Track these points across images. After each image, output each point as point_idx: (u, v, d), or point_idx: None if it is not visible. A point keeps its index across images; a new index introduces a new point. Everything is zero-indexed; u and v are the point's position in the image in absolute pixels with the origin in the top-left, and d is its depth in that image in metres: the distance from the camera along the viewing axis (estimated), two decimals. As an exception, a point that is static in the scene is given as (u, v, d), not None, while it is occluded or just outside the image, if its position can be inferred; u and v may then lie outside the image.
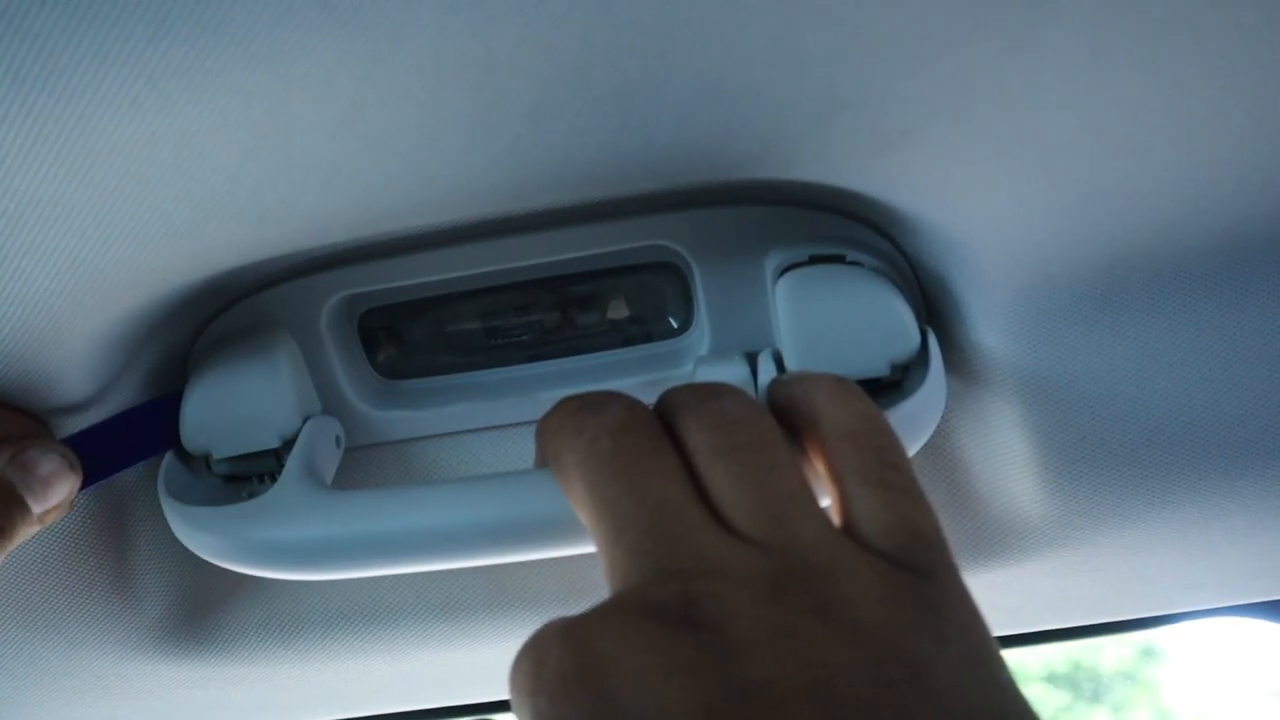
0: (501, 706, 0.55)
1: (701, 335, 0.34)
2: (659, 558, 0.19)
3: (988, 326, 0.31)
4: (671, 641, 0.17)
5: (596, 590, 0.19)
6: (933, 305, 0.33)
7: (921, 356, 0.30)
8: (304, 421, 0.33)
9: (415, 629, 0.40)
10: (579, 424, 0.22)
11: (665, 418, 0.23)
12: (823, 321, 0.30)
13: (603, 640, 0.18)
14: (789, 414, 0.23)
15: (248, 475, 0.33)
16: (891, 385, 0.30)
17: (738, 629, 0.17)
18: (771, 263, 0.31)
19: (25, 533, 0.28)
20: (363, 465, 0.36)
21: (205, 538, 0.30)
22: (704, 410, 0.22)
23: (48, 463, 0.28)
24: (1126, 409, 0.32)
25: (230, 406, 0.32)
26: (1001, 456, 0.34)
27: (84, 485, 0.29)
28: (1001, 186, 0.26)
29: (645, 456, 0.21)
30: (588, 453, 0.21)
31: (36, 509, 0.28)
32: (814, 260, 0.31)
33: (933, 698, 0.16)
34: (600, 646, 0.18)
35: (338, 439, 0.34)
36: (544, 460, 0.26)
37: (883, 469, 0.21)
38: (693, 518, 0.20)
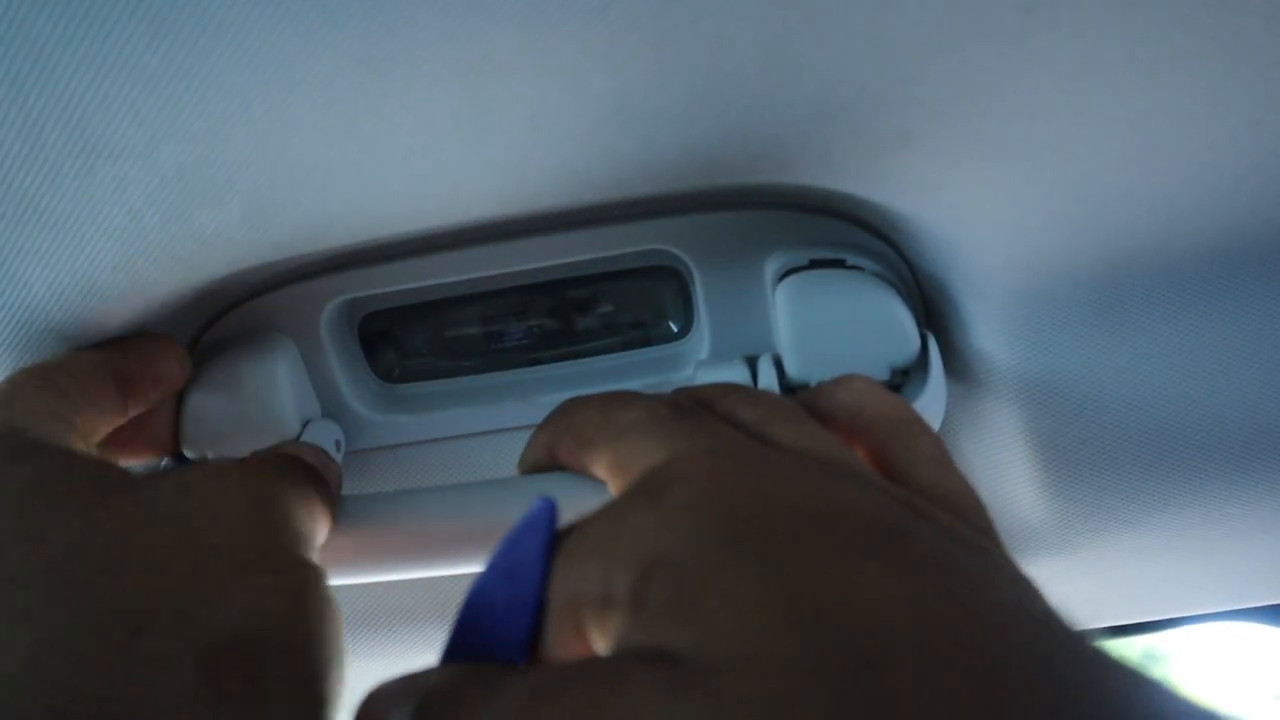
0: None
1: (701, 339, 0.34)
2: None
3: (987, 331, 0.31)
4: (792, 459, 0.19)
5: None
6: (932, 309, 0.33)
7: (921, 361, 0.30)
8: (303, 425, 0.33)
9: (415, 633, 0.39)
10: (626, 401, 0.22)
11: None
12: (823, 326, 0.30)
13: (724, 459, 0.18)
14: (823, 415, 0.23)
15: None
16: (891, 389, 0.30)
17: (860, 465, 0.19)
18: (771, 267, 0.31)
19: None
20: (362, 469, 0.36)
21: None
22: (744, 394, 0.22)
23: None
24: (1126, 412, 0.32)
25: (229, 410, 0.32)
26: (1001, 461, 0.34)
27: None
28: (1000, 190, 0.26)
29: (706, 414, 0.21)
30: (644, 416, 0.21)
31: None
32: (814, 265, 0.31)
33: (1004, 568, 0.17)
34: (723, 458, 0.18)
35: (337, 443, 0.34)
36: (538, 459, 0.25)
37: (932, 448, 0.22)
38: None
